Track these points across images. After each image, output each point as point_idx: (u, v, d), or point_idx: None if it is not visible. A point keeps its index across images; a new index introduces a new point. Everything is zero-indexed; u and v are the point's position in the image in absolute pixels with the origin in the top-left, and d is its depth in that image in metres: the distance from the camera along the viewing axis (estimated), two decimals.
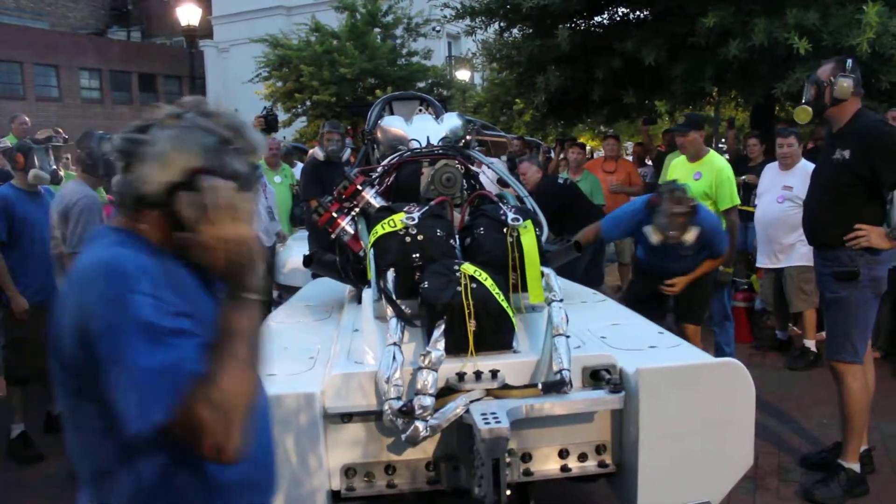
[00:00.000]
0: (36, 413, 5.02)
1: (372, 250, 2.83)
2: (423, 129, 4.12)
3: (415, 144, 3.91)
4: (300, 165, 9.61)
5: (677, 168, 5.47)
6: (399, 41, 18.66)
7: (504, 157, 10.91)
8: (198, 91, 24.80)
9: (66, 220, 4.59)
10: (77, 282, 1.43)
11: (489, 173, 4.05)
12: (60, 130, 7.75)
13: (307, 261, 3.61)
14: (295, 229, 7.69)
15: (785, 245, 5.88)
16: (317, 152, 6.68)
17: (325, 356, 2.84)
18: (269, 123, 6.40)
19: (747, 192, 7.42)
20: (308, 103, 17.66)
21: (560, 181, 6.79)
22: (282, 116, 18.73)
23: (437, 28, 16.15)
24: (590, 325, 3.07)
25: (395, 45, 18.27)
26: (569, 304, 2.77)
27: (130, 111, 32.46)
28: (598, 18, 8.66)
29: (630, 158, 10.51)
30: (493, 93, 12.80)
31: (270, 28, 21.26)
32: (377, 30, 18.33)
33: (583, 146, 8.65)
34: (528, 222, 2.89)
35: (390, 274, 2.72)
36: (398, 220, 2.78)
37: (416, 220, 2.77)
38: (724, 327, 5.63)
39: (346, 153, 6.77)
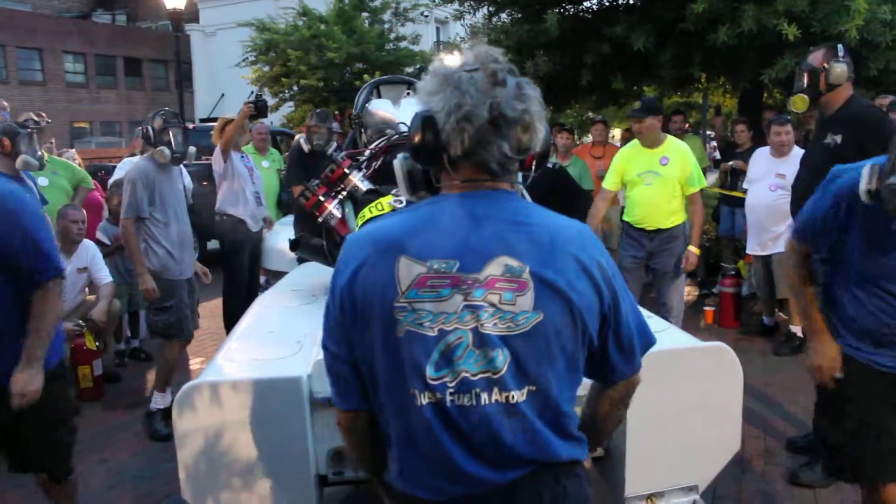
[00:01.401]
0: None
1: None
2: (411, 112, 4.07)
3: (403, 128, 3.89)
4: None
5: (636, 157, 5.22)
6: (387, 26, 18.56)
7: None
8: (184, 75, 24.61)
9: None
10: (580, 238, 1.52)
11: None
12: (43, 115, 7.67)
13: (294, 245, 3.59)
14: (282, 214, 7.66)
15: (776, 233, 5.89)
16: (302, 142, 6.64)
17: (311, 340, 2.82)
18: (258, 109, 6.35)
19: (735, 177, 7.45)
20: (295, 88, 17.58)
21: (550, 165, 6.78)
22: (269, 101, 18.63)
23: (426, 13, 16.08)
24: None
25: (383, 30, 18.17)
26: None
27: (116, 95, 32.25)
28: (586, 4, 8.61)
29: (619, 144, 10.49)
30: None
31: (257, 12, 21.07)
32: (365, 14, 18.23)
33: (571, 131, 8.64)
34: None
35: None
36: (386, 204, 2.76)
37: (405, 204, 2.75)
38: None
39: (332, 147, 6.72)
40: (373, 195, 2.93)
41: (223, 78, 27.87)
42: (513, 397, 1.44)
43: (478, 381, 1.43)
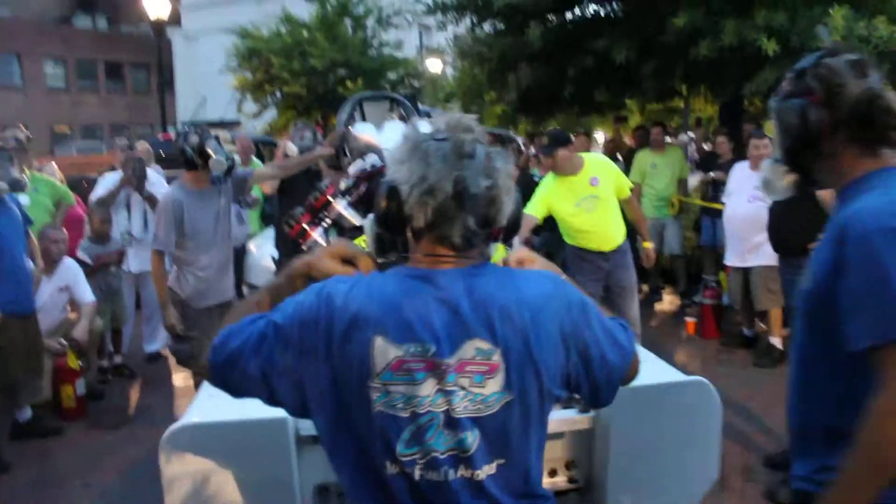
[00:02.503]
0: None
1: None
2: (395, 137, 4.10)
3: (386, 154, 3.91)
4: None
5: (565, 188, 5.03)
6: (370, 32, 18.55)
7: None
8: (165, 79, 24.51)
9: None
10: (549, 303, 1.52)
11: None
12: (22, 127, 7.61)
13: (278, 268, 3.61)
14: (265, 227, 7.65)
15: (754, 244, 5.95)
16: (290, 147, 6.63)
17: None
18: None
19: (716, 189, 7.51)
20: (278, 94, 17.55)
21: (535, 178, 6.84)
22: (252, 108, 18.62)
23: (410, 19, 16.06)
24: None
25: (366, 37, 18.16)
26: None
27: (97, 100, 32.06)
28: (569, 15, 8.66)
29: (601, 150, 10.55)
30: (464, 83, 12.79)
31: (240, 16, 20.99)
32: (348, 20, 18.22)
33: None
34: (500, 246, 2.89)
35: None
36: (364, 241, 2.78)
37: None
38: None
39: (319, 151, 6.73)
40: (356, 232, 2.94)
41: (205, 82, 27.77)
42: (478, 475, 1.45)
43: (446, 460, 1.44)
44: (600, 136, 15.46)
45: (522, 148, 10.27)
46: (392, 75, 18.55)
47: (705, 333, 6.76)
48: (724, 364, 6.02)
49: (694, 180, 8.44)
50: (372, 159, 3.96)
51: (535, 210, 5.05)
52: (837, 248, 1.60)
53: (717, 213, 7.15)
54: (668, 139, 8.97)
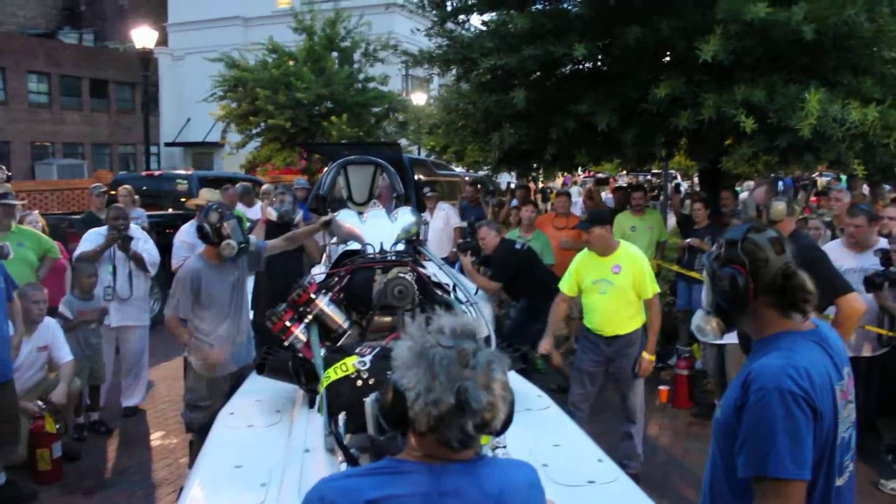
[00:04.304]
0: None
1: (324, 392, 2.89)
2: (378, 227, 4.20)
3: (369, 249, 3.99)
4: (259, 204, 9.62)
5: (590, 264, 5.24)
6: (356, 66, 18.65)
7: (458, 205, 11.05)
8: (150, 98, 24.47)
9: None
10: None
11: (440, 275, 4.14)
12: (3, 168, 7.59)
13: (260, 369, 3.66)
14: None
15: None
16: (270, 211, 6.72)
17: (276, 483, 2.90)
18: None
19: (692, 255, 7.64)
20: (262, 126, 17.58)
21: (518, 246, 6.93)
22: (235, 138, 18.64)
23: (400, 60, 16.16)
24: (532, 444, 3.17)
25: (352, 71, 18.26)
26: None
27: (80, 117, 31.91)
28: (555, 73, 8.77)
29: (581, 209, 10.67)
30: (448, 116, 12.86)
31: (227, 38, 21.09)
32: (335, 54, 18.31)
33: (535, 204, 8.82)
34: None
35: (342, 417, 2.79)
36: (350, 364, 2.85)
37: (368, 365, 2.84)
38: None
39: (298, 215, 6.82)
40: (338, 354, 3.01)
41: (190, 102, 27.79)
42: None
43: None
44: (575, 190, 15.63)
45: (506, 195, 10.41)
46: (376, 109, 18.64)
47: (678, 402, 6.86)
48: (695, 438, 6.10)
49: (672, 221, 8.53)
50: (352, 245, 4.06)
51: (566, 287, 5.34)
52: (742, 392, 2.00)
53: (693, 280, 7.28)
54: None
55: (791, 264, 2.07)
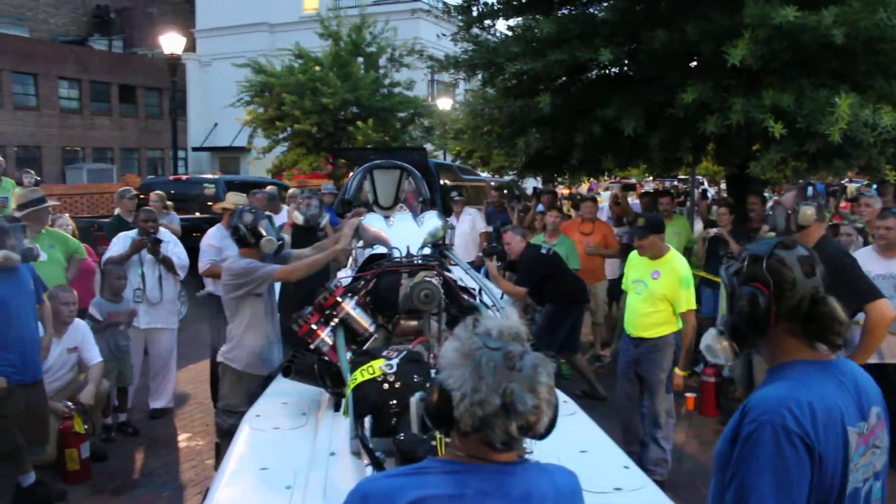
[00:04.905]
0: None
1: (350, 395, 2.89)
2: (404, 231, 4.21)
3: (395, 253, 4.00)
4: (285, 209, 9.68)
5: (636, 263, 5.43)
6: (382, 71, 18.73)
7: (483, 209, 11.05)
8: (178, 103, 24.75)
9: None
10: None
11: (466, 279, 4.14)
12: (32, 172, 7.68)
13: (286, 371, 3.68)
14: None
15: None
16: (296, 215, 6.75)
17: (301, 485, 2.90)
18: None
19: (717, 261, 7.53)
20: (289, 130, 17.70)
21: (543, 251, 6.92)
22: (262, 143, 18.80)
23: (425, 65, 16.22)
24: (559, 450, 3.16)
25: (377, 76, 18.34)
26: None
27: (110, 122, 32.33)
28: (580, 78, 8.76)
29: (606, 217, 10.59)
30: (474, 120, 12.86)
31: (254, 44, 21.24)
32: (360, 59, 18.40)
33: (561, 209, 8.79)
34: None
35: (367, 420, 2.79)
36: (377, 367, 2.85)
37: (394, 368, 2.85)
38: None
39: (325, 219, 6.86)
40: (365, 357, 3.02)
41: (217, 107, 28.04)
42: None
43: None
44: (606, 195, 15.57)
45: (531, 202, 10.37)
46: (402, 114, 18.70)
47: (705, 410, 6.79)
48: None
49: (699, 226, 8.48)
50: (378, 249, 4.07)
51: (623, 284, 5.60)
52: (739, 421, 1.83)
53: (719, 285, 7.20)
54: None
55: (820, 289, 1.88)
